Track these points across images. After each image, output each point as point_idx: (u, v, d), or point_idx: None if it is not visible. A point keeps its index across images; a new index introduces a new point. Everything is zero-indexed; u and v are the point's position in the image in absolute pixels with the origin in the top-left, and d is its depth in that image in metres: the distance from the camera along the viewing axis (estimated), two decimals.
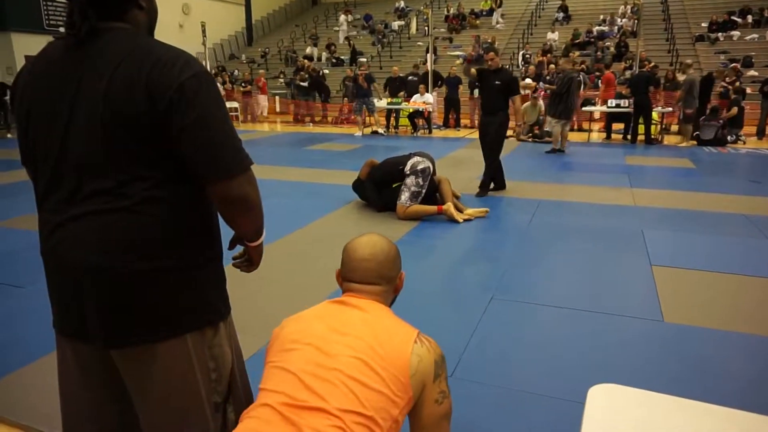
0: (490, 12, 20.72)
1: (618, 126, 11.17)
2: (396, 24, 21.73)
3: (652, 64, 13.07)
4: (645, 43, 15.55)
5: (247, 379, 1.41)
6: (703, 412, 1.28)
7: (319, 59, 19.83)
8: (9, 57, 14.76)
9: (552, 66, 12.12)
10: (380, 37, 20.50)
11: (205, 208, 1.23)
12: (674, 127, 11.62)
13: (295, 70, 16.07)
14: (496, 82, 5.67)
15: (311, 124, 14.57)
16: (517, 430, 2.01)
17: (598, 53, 16.19)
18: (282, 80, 17.58)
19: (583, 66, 13.88)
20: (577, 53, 15.56)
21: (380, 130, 12.47)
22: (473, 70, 5.94)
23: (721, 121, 9.93)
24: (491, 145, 5.85)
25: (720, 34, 16.21)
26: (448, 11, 21.18)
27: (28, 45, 14.43)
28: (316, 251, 4.06)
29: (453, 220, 4.80)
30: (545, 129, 10.43)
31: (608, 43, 16.74)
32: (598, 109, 11.59)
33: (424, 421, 1.30)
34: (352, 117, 13.43)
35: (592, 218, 4.93)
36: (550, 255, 3.99)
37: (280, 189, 6.22)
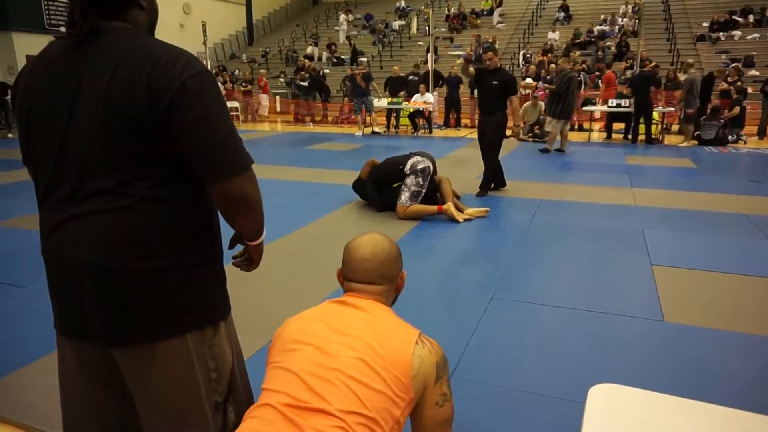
0: (491, 12, 20.72)
1: (619, 126, 11.17)
2: (397, 24, 21.72)
3: (653, 63, 13.07)
4: (646, 43, 15.54)
5: (248, 379, 1.41)
6: (703, 412, 1.28)
7: (320, 59, 19.83)
8: (10, 57, 14.76)
9: (552, 66, 12.11)
10: (381, 36, 20.50)
11: (206, 208, 1.23)
12: (675, 127, 11.61)
13: (296, 69, 16.07)
14: (494, 82, 5.65)
15: (311, 123, 14.57)
16: (517, 430, 2.01)
17: (599, 53, 16.17)
18: (282, 80, 17.58)
19: (584, 66, 13.87)
20: (578, 53, 15.56)
21: (377, 129, 12.46)
22: (472, 69, 5.94)
23: (722, 121, 9.92)
24: (490, 145, 5.84)
25: (721, 33, 16.19)
26: (448, 11, 21.17)
27: (29, 45, 14.43)
28: (317, 251, 4.06)
29: (453, 220, 4.80)
30: (546, 129, 10.43)
31: (609, 43, 16.73)
32: (598, 109, 11.58)
33: (424, 423, 1.30)
34: (353, 117, 13.43)
35: (593, 218, 4.93)
36: (551, 255, 3.98)
37: (281, 189, 6.22)
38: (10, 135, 12.18)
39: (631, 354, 2.56)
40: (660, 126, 10.91)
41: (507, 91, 5.69)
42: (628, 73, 13.18)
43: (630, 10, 18.24)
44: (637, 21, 16.41)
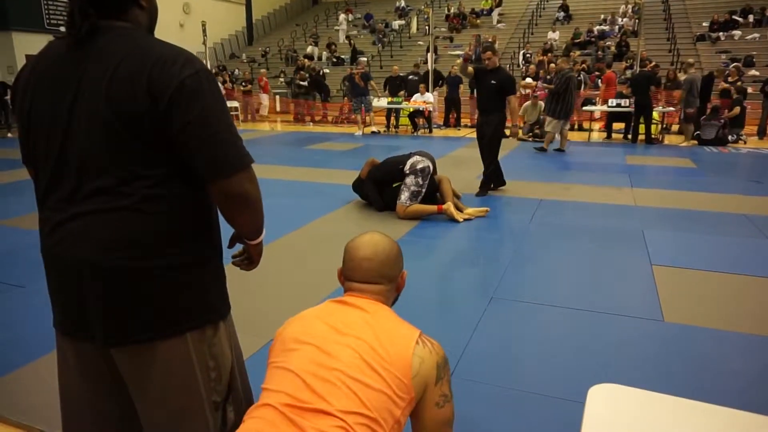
0: (491, 11, 20.72)
1: (619, 126, 11.16)
2: (396, 23, 21.72)
3: (653, 63, 13.06)
4: (646, 43, 15.54)
5: (247, 379, 1.41)
6: (703, 412, 1.28)
7: (320, 58, 19.82)
8: (10, 56, 14.76)
9: (552, 65, 12.12)
10: (381, 36, 20.50)
11: (206, 207, 1.23)
12: (675, 127, 11.62)
13: (296, 69, 16.07)
14: (492, 82, 5.64)
15: (311, 123, 14.57)
16: (517, 430, 2.01)
17: (599, 53, 16.17)
18: (282, 79, 17.58)
19: (584, 66, 13.87)
20: (578, 53, 15.56)
21: (374, 129, 12.46)
22: (470, 69, 5.93)
23: (722, 121, 9.92)
24: (489, 144, 5.84)
25: (721, 33, 16.19)
26: (448, 10, 21.17)
27: (29, 44, 14.44)
28: (317, 250, 4.06)
29: (453, 220, 4.79)
30: (545, 129, 10.43)
31: (609, 43, 16.73)
32: (598, 109, 11.58)
33: (424, 424, 1.30)
34: (352, 116, 13.44)
35: (593, 218, 4.93)
36: (550, 255, 3.98)
37: (281, 188, 6.22)
38: (9, 135, 12.18)
39: (630, 354, 2.56)
40: (660, 126, 10.91)
41: (505, 91, 5.66)
42: (628, 72, 13.17)
43: (630, 10, 18.24)
44: (637, 21, 16.40)
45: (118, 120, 1.08)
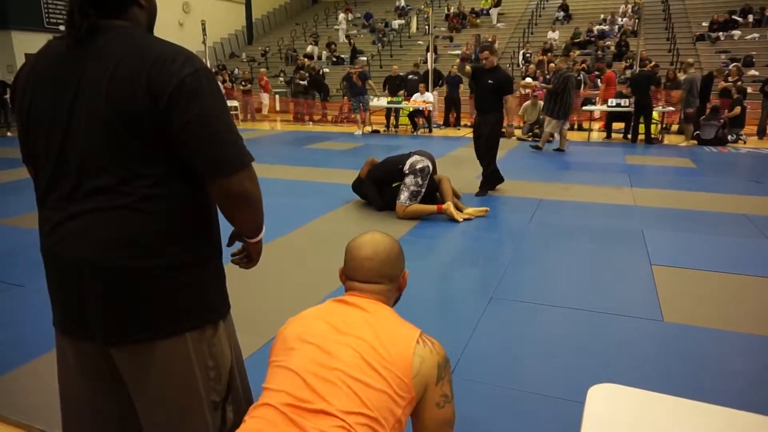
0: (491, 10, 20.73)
1: (618, 125, 11.17)
2: (396, 23, 21.71)
3: (653, 63, 13.06)
4: (645, 43, 15.54)
5: (247, 379, 1.41)
6: (703, 412, 1.28)
7: (320, 58, 19.82)
8: (9, 55, 14.75)
9: (552, 65, 12.12)
10: (380, 35, 20.49)
11: (205, 206, 1.23)
12: (674, 127, 11.62)
13: (295, 68, 16.07)
14: (490, 81, 5.63)
15: (311, 123, 14.57)
16: (517, 430, 2.01)
17: (599, 52, 16.17)
18: (282, 79, 17.58)
19: (584, 65, 13.87)
20: (578, 52, 15.55)
21: (368, 129, 12.46)
22: (468, 68, 5.92)
23: (721, 121, 9.92)
24: (486, 144, 5.83)
25: (721, 33, 16.19)
26: (448, 10, 21.16)
27: (28, 43, 14.43)
28: (316, 250, 4.06)
29: (453, 220, 4.79)
30: (545, 128, 10.44)
31: (609, 43, 16.73)
32: (598, 109, 11.59)
33: (425, 424, 1.30)
34: (352, 116, 13.44)
35: (592, 218, 4.93)
36: (550, 254, 3.98)
37: (280, 188, 6.22)
38: (9, 134, 12.18)
39: (630, 354, 2.56)
40: (659, 126, 10.91)
41: (503, 91, 5.65)
42: (628, 72, 13.17)
43: (630, 10, 18.25)
44: (636, 20, 16.41)
45: (118, 119, 1.08)
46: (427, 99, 12.08)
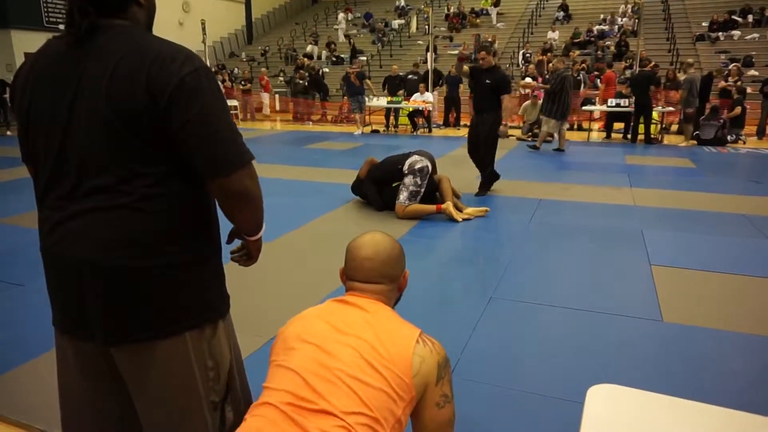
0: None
1: (618, 125, 11.17)
2: (396, 22, 21.71)
3: (653, 63, 13.06)
4: (645, 43, 15.54)
5: (246, 379, 1.41)
6: (702, 413, 1.28)
7: (319, 57, 19.82)
8: (9, 54, 14.75)
9: (551, 65, 12.13)
10: (380, 35, 20.49)
11: (205, 205, 1.23)
12: (674, 127, 11.63)
13: (295, 68, 16.07)
14: (487, 81, 5.63)
15: (311, 122, 14.57)
16: (516, 430, 2.01)
17: (599, 52, 16.18)
18: (282, 78, 17.57)
19: (584, 65, 13.87)
20: (578, 52, 15.56)
21: (368, 129, 12.45)
22: (466, 68, 5.92)
23: (721, 121, 9.93)
24: (485, 144, 5.82)
25: (720, 33, 16.20)
26: (448, 10, 21.16)
27: (27, 42, 14.42)
28: (316, 250, 4.06)
29: (452, 219, 4.79)
30: (542, 128, 10.45)
31: (608, 43, 16.73)
32: (597, 109, 11.59)
33: (425, 424, 1.30)
34: (351, 116, 13.44)
35: (592, 218, 4.93)
36: (550, 254, 3.99)
37: (280, 187, 6.22)
38: (8, 133, 12.17)
39: (630, 354, 2.56)
40: (659, 126, 10.91)
41: (500, 90, 5.63)
42: (628, 72, 13.17)
43: (629, 10, 18.25)
44: (636, 20, 16.41)
45: (118, 118, 1.08)
46: (426, 99, 12.08)
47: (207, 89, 1.11)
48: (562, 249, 4.09)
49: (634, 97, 10.00)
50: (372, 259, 1.41)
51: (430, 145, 9.45)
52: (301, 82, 14.85)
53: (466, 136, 6.26)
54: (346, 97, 13.20)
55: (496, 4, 20.53)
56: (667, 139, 10.57)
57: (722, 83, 11.68)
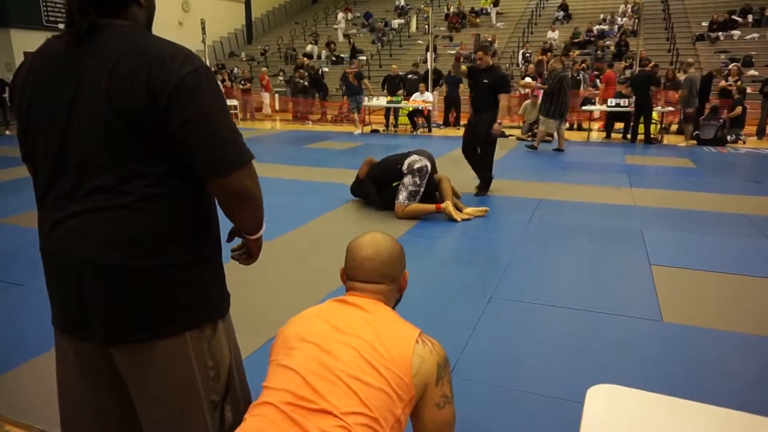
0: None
1: (618, 125, 11.17)
2: (396, 22, 21.71)
3: (653, 63, 13.07)
4: (645, 43, 15.54)
5: (245, 379, 1.41)
6: (701, 413, 1.28)
7: (319, 57, 19.82)
8: (8, 53, 14.75)
9: (549, 65, 12.13)
10: (380, 35, 20.49)
11: (205, 204, 1.23)
12: (674, 127, 11.63)
13: (295, 67, 16.07)
14: (485, 81, 5.62)
15: (311, 122, 14.57)
16: (516, 430, 2.01)
17: (598, 52, 16.18)
18: (282, 78, 17.57)
19: (583, 65, 13.88)
20: (577, 52, 15.56)
21: (368, 129, 12.44)
22: (464, 68, 5.91)
23: (721, 121, 9.93)
24: (483, 144, 5.81)
25: (720, 33, 16.20)
26: (448, 9, 21.16)
27: (27, 41, 14.41)
28: (316, 249, 4.06)
29: (452, 219, 4.79)
30: (539, 127, 10.45)
31: (608, 42, 16.74)
32: (597, 109, 11.59)
33: (424, 425, 1.30)
34: (351, 115, 13.45)
35: (592, 218, 4.93)
36: (549, 254, 3.99)
37: (280, 187, 6.21)
38: (8, 132, 12.16)
39: (630, 354, 2.56)
40: (659, 126, 10.92)
41: (498, 90, 5.60)
42: (627, 72, 13.18)
43: (629, 10, 18.25)
44: (636, 20, 16.41)
45: (118, 118, 1.08)
46: (426, 99, 12.08)
47: (206, 89, 1.11)
48: (561, 249, 4.09)
49: (634, 97, 10.00)
50: (372, 259, 1.41)
51: (429, 145, 9.45)
52: (300, 81, 14.85)
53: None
54: (345, 97, 13.22)
55: (495, 4, 20.53)
56: (667, 139, 10.58)
57: (722, 83, 11.68)
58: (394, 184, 4.95)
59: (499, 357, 2.52)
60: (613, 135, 11.18)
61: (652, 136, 10.28)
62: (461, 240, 4.45)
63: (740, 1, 17.08)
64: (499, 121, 5.64)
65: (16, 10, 14.79)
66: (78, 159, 1.11)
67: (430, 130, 12.20)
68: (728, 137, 9.90)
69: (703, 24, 16.90)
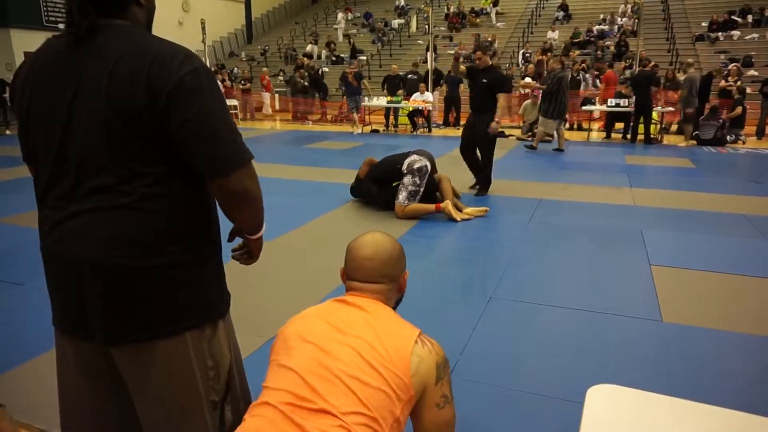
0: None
1: (618, 125, 11.17)
2: (396, 22, 21.71)
3: (653, 63, 13.07)
4: (645, 43, 15.55)
5: (245, 379, 1.41)
6: (702, 413, 1.28)
7: (319, 57, 19.82)
8: (8, 53, 14.74)
9: (548, 65, 12.14)
10: (380, 35, 20.49)
11: (205, 204, 1.23)
12: (674, 127, 11.63)
13: (295, 67, 16.08)
14: (484, 81, 5.62)
15: (310, 122, 14.57)
16: (516, 430, 2.01)
17: (598, 52, 16.18)
18: (282, 78, 17.57)
19: (584, 65, 13.88)
20: (577, 52, 15.55)
21: (368, 129, 12.44)
22: (462, 68, 5.91)
23: (720, 121, 9.93)
24: (483, 144, 5.81)
25: (720, 33, 16.20)
26: (448, 9, 21.16)
27: (27, 41, 14.41)
28: (316, 249, 4.06)
29: (451, 219, 4.79)
30: (538, 127, 10.45)
31: (608, 43, 16.74)
32: (598, 109, 11.59)
33: (424, 425, 1.30)
34: (351, 115, 13.45)
35: (592, 218, 4.93)
36: (549, 254, 3.99)
37: (280, 187, 6.21)
38: (8, 132, 12.16)
39: (629, 354, 2.56)
40: (659, 126, 10.92)
41: (497, 89, 5.60)
42: (627, 72, 13.18)
43: (629, 10, 18.25)
44: (636, 20, 16.41)
45: (118, 118, 1.08)
46: (426, 99, 12.08)
47: (206, 89, 1.11)
48: (561, 249, 4.09)
49: (634, 97, 10.00)
50: (372, 258, 1.41)
51: (429, 145, 9.45)
52: (301, 81, 14.86)
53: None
54: (345, 97, 13.24)
55: (495, 4, 20.53)
56: (667, 139, 10.58)
57: (722, 83, 11.68)
58: (394, 184, 4.95)
59: (499, 357, 2.52)
60: (613, 135, 11.18)
61: (652, 136, 10.28)
62: (461, 240, 4.45)
63: (740, 2, 17.08)
64: (497, 119, 5.61)
65: (17, 10, 14.79)
66: (78, 159, 1.11)
67: (430, 130, 12.20)
68: (728, 137, 9.90)
69: (703, 24, 16.90)
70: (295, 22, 23.98)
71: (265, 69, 17.36)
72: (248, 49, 22.65)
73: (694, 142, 10.02)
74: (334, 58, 19.30)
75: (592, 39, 17.17)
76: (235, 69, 19.15)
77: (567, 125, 9.66)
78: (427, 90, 12.38)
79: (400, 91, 12.68)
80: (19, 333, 2.75)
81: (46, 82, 1.15)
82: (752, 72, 14.12)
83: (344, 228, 4.58)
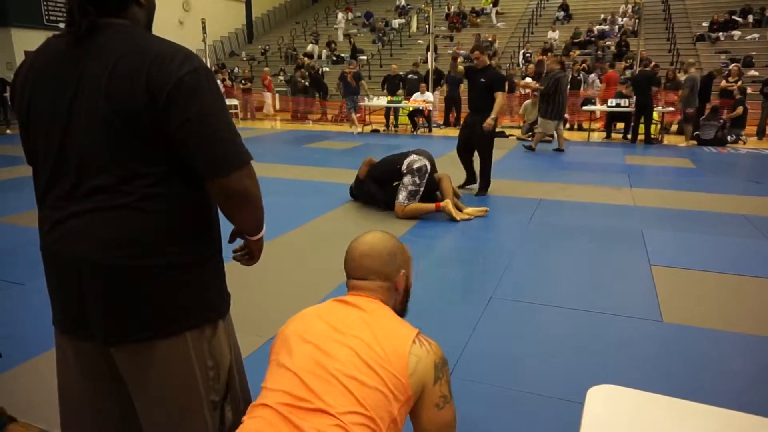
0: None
1: (619, 125, 11.17)
2: (396, 22, 21.70)
3: (653, 63, 13.07)
4: (646, 43, 15.54)
5: (245, 378, 1.41)
6: (701, 414, 1.28)
7: (320, 57, 19.81)
8: (9, 53, 14.74)
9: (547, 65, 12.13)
10: (380, 35, 20.48)
11: (205, 206, 1.23)
12: (674, 127, 11.63)
13: (295, 67, 16.08)
14: (482, 80, 5.62)
15: (311, 122, 14.57)
16: (516, 430, 2.01)
17: (599, 52, 16.17)
18: (282, 78, 17.57)
19: (584, 65, 13.87)
20: (578, 52, 15.55)
21: (361, 129, 12.45)
22: (461, 68, 5.91)
23: (721, 121, 9.93)
24: (481, 143, 5.80)
25: (721, 33, 16.20)
26: (448, 9, 21.16)
27: (27, 40, 14.40)
28: (316, 249, 4.06)
29: (451, 218, 4.79)
30: (537, 128, 10.45)
31: (609, 43, 16.73)
32: (598, 109, 11.59)
33: (424, 426, 1.30)
34: (350, 115, 13.45)
35: (592, 218, 4.93)
36: (550, 254, 3.99)
37: (280, 187, 6.21)
38: (8, 131, 12.16)
39: (630, 354, 2.56)
40: (659, 126, 10.92)
41: (495, 89, 5.59)
42: (628, 72, 13.18)
43: (630, 10, 18.25)
44: (636, 20, 16.41)
45: (118, 117, 1.08)
46: (427, 98, 12.08)
47: (206, 89, 1.11)
48: (561, 249, 4.09)
49: (634, 97, 10.00)
50: (367, 255, 1.42)
51: (430, 145, 9.45)
52: (301, 81, 14.85)
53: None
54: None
55: (495, 4, 20.52)
56: (667, 139, 10.58)
57: (723, 83, 11.68)
58: (394, 184, 4.95)
59: (499, 357, 2.52)
60: (613, 135, 11.18)
61: (652, 136, 10.28)
62: (461, 240, 4.45)
63: (740, 2, 17.08)
64: (493, 116, 5.55)
65: (17, 10, 14.78)
66: (78, 159, 1.11)
67: (430, 130, 12.20)
68: (728, 137, 9.90)
69: (704, 24, 16.90)
70: (296, 22, 23.97)
71: (266, 69, 17.35)
72: (249, 49, 22.65)
73: (695, 142, 10.02)
74: (334, 58, 19.30)
75: (593, 39, 17.17)
76: (236, 69, 19.16)
77: (567, 125, 9.65)
78: (428, 90, 12.37)
79: (401, 91, 12.68)
80: (19, 333, 2.75)
81: (46, 81, 1.15)
82: (753, 72, 14.11)
83: (344, 228, 4.58)
